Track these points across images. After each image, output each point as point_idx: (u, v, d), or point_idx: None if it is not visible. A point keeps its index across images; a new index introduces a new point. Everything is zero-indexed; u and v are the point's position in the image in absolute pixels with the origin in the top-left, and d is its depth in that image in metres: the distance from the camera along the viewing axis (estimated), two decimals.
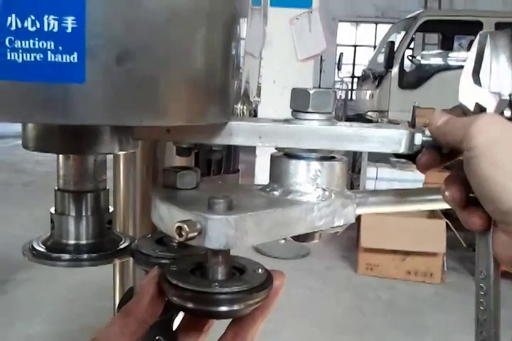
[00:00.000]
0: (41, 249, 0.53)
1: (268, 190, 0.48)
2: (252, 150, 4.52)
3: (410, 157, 4.97)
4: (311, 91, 0.46)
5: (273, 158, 0.49)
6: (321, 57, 7.16)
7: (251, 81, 0.65)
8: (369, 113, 6.38)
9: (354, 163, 5.63)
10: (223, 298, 0.42)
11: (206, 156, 0.61)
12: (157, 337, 0.46)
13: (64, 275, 3.31)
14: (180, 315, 0.49)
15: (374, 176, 4.42)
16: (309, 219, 0.45)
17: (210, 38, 0.40)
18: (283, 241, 4.29)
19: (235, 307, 0.42)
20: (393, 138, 0.47)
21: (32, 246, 0.54)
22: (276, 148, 0.49)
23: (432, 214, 3.98)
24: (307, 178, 0.47)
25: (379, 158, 4.89)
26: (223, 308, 0.42)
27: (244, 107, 0.53)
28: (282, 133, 0.46)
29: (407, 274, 3.68)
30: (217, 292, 0.42)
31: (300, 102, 0.47)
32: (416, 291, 3.54)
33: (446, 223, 3.62)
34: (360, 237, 3.68)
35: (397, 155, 5.19)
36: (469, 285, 3.60)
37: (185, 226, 0.38)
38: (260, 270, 0.46)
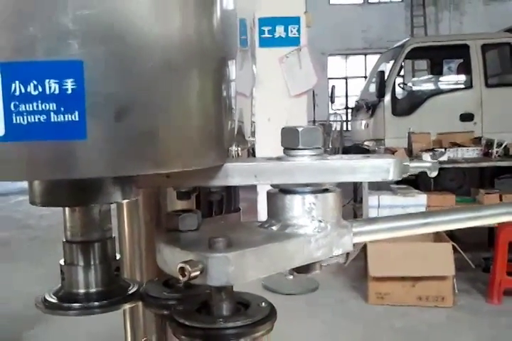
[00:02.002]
0: (53, 300, 0.55)
1: (266, 225, 0.50)
2: (253, 188, 4.54)
3: (411, 182, 4.99)
4: (300, 129, 0.49)
5: (269, 195, 0.51)
6: (314, 91, 7.26)
7: (244, 120, 0.67)
8: (366, 142, 6.43)
9: (355, 193, 5.64)
10: (229, 332, 0.44)
11: (206, 198, 0.64)
12: None
13: (72, 328, 3.28)
14: None
15: (376, 204, 4.42)
16: (307, 250, 0.47)
17: (202, 86, 0.43)
18: (291, 277, 4.27)
19: (242, 340, 0.44)
20: (381, 167, 0.49)
21: (44, 298, 0.55)
22: (271, 185, 0.51)
23: (438, 238, 3.97)
24: (303, 211, 0.49)
25: (380, 186, 4.90)
26: None
27: (239, 149, 0.56)
28: (276, 170, 0.48)
29: (418, 300, 3.64)
30: (222, 327, 0.44)
31: (290, 140, 0.49)
32: (429, 316, 3.50)
33: (453, 245, 3.61)
34: (368, 266, 3.66)
35: (397, 181, 5.21)
36: (481, 307, 3.57)
37: (188, 266, 0.40)
38: (263, 303, 0.48)
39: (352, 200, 5.70)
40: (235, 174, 0.49)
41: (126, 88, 0.38)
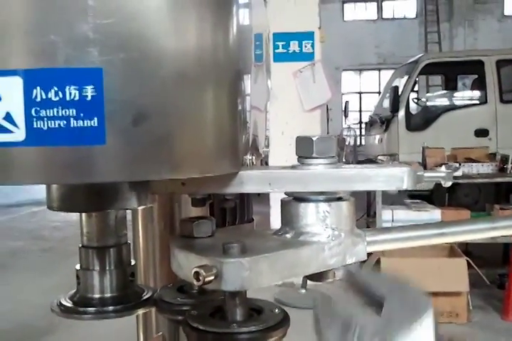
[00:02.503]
0: (68, 304, 0.55)
1: (280, 233, 0.51)
2: (266, 201, 4.54)
3: (425, 197, 4.96)
4: (314, 138, 0.49)
5: (283, 203, 0.51)
6: (327, 106, 7.28)
7: (259, 133, 0.68)
8: (379, 157, 6.42)
9: (369, 207, 5.61)
10: (242, 337, 0.44)
11: (220, 205, 0.64)
12: None
13: (82, 339, 3.28)
14: None
15: (390, 218, 4.39)
16: (321, 258, 0.48)
17: (217, 96, 0.44)
18: (304, 291, 4.24)
19: None
20: (396, 176, 0.49)
21: (60, 302, 0.56)
22: (285, 193, 0.52)
23: (452, 253, 3.94)
24: (316, 219, 0.49)
25: (393, 200, 4.88)
26: None
27: (254, 157, 0.57)
28: (290, 178, 0.49)
29: None
30: (236, 332, 0.44)
31: (304, 149, 0.50)
32: (443, 333, 3.44)
33: (467, 261, 3.57)
34: None
35: (412, 196, 5.18)
36: (496, 324, 3.52)
37: (202, 271, 0.41)
38: (277, 310, 0.48)
39: (365, 215, 5.67)
40: (249, 181, 0.49)
41: (143, 95, 0.39)
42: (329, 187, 0.49)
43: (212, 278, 0.41)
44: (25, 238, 6.62)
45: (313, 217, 0.49)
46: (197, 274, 0.41)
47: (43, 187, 0.51)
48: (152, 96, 0.40)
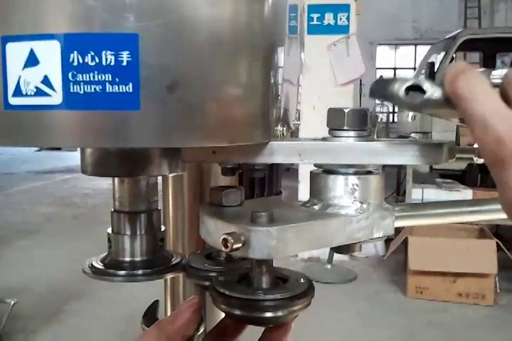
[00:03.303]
0: (100, 266, 0.57)
1: (308, 204, 0.51)
2: (295, 176, 4.55)
3: (457, 177, 4.90)
4: (346, 110, 0.49)
5: (312, 175, 0.52)
6: (361, 81, 7.18)
7: (290, 107, 0.68)
8: (412, 135, 6.34)
9: (398, 185, 5.58)
10: (267, 304, 0.45)
11: (249, 175, 0.65)
12: None
13: (113, 307, 3.38)
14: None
15: (420, 198, 4.36)
16: (348, 230, 0.48)
17: (250, 65, 0.44)
18: (329, 266, 4.27)
19: (279, 313, 0.45)
20: (427, 151, 0.48)
21: (91, 264, 0.58)
22: (315, 165, 0.52)
23: (482, 235, 3.91)
24: (345, 192, 0.49)
25: (424, 180, 4.84)
26: (267, 314, 0.45)
27: (284, 129, 0.57)
28: (320, 150, 0.49)
29: (458, 296, 3.59)
30: (261, 299, 0.45)
31: (336, 121, 0.50)
32: (468, 314, 3.45)
33: (497, 243, 3.54)
34: (409, 260, 3.63)
35: (443, 176, 5.13)
36: None
37: (230, 238, 0.41)
38: (302, 279, 0.49)
39: (395, 193, 5.64)
40: (279, 152, 0.49)
41: (178, 62, 0.39)
42: (360, 160, 0.48)
43: (240, 245, 0.42)
44: (58, 204, 6.78)
45: (342, 189, 0.49)
46: (225, 241, 0.42)
47: (75, 154, 0.52)
48: (187, 63, 0.40)
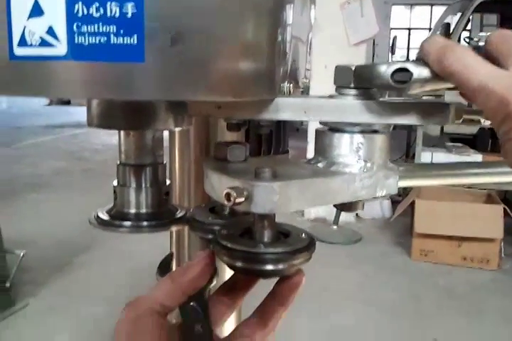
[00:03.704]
0: (105, 217, 0.58)
1: (313, 162, 0.51)
2: (304, 136, 4.54)
3: (467, 141, 4.87)
4: (353, 68, 0.48)
5: (318, 132, 0.51)
6: (374, 41, 7.06)
7: (299, 65, 0.67)
8: (424, 97, 6.26)
9: (408, 148, 5.56)
10: (268, 257, 0.46)
11: (255, 131, 0.65)
12: (191, 303, 0.50)
13: (121, 259, 3.44)
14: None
15: (429, 161, 4.36)
16: (351, 189, 0.48)
17: (258, 20, 0.43)
18: (335, 227, 4.31)
19: (280, 266, 0.46)
20: (435, 111, 0.48)
21: (97, 215, 0.59)
22: (320, 123, 0.52)
23: (489, 200, 3.91)
24: (350, 151, 0.49)
25: (435, 143, 4.82)
26: (269, 267, 0.46)
27: (291, 86, 0.56)
28: (326, 107, 0.48)
29: (462, 260, 3.63)
30: (262, 252, 0.46)
31: (343, 78, 0.49)
32: (472, 277, 3.49)
33: (504, 208, 3.55)
34: (415, 223, 3.65)
35: (453, 140, 5.09)
36: None
37: (233, 192, 0.42)
38: (304, 235, 0.50)
39: (404, 156, 5.63)
40: (285, 108, 0.49)
41: (183, 14, 0.39)
42: (365, 118, 0.48)
43: (243, 199, 0.42)
44: (67, 159, 6.82)
45: (347, 148, 0.49)
46: (228, 195, 0.42)
47: (85, 110, 0.53)
48: (192, 15, 0.39)
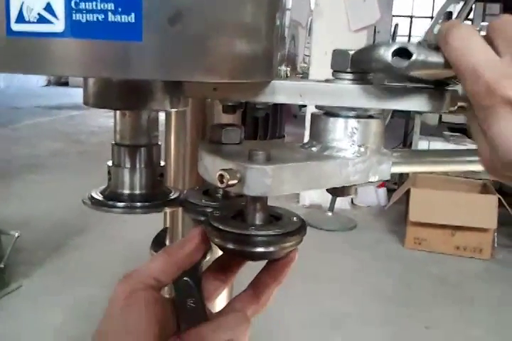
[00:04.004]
0: (99, 197, 0.58)
1: (307, 146, 0.52)
2: (302, 123, 4.54)
3: (465, 131, 4.87)
4: (351, 52, 0.48)
5: (313, 117, 0.52)
6: (375, 28, 7.02)
7: (298, 50, 0.67)
8: None
9: (406, 137, 5.56)
10: (259, 239, 0.46)
11: (251, 114, 0.65)
12: (185, 278, 0.51)
13: (115, 241, 3.45)
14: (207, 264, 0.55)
15: (426, 149, 4.36)
16: (344, 173, 0.48)
17: (257, 1, 0.43)
18: (330, 214, 4.33)
19: (270, 248, 0.47)
20: (430, 98, 0.48)
21: (91, 195, 0.59)
22: (316, 107, 0.52)
23: (484, 190, 3.92)
24: (344, 135, 0.49)
25: (432, 132, 4.82)
26: (259, 249, 0.47)
27: (288, 69, 0.56)
28: (322, 91, 0.49)
29: (455, 249, 3.65)
30: (253, 234, 0.46)
31: (340, 63, 0.49)
32: (465, 266, 3.52)
33: (499, 199, 3.56)
34: (409, 211, 3.66)
35: (452, 129, 5.09)
36: None
37: (226, 174, 0.42)
38: (295, 218, 0.50)
39: (401, 144, 5.63)
40: (281, 91, 0.49)
41: None
42: (359, 103, 0.48)
43: (236, 181, 0.43)
44: (64, 140, 6.81)
45: (341, 132, 0.50)
46: (221, 177, 0.42)
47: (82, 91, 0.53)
48: None
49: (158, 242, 0.60)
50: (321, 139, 0.51)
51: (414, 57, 0.41)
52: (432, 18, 10.27)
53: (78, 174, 4.99)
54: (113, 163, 0.59)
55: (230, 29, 0.42)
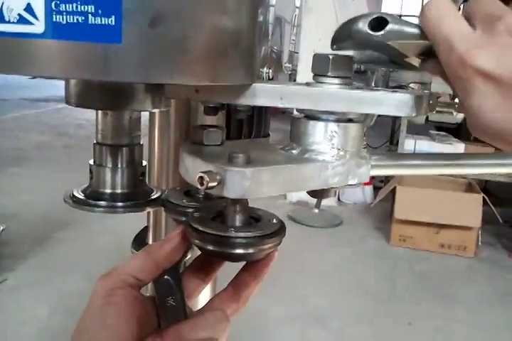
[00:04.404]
0: (81, 196, 0.59)
1: (287, 148, 0.52)
2: (289, 119, 4.54)
3: (452, 130, 4.90)
4: (331, 56, 0.49)
5: (293, 119, 0.52)
6: None
7: (284, 47, 0.67)
8: (411, 84, 6.26)
9: (392, 135, 5.58)
10: (238, 241, 0.47)
11: (235, 117, 0.65)
12: (165, 277, 0.51)
13: (100, 235, 3.45)
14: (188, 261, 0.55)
15: (412, 148, 4.38)
16: (323, 176, 0.49)
17: (237, 4, 0.44)
18: (317, 211, 4.34)
19: (249, 250, 0.47)
20: (408, 102, 0.49)
21: (72, 194, 0.59)
22: (297, 110, 0.52)
23: (469, 188, 3.96)
24: (324, 139, 0.50)
25: (418, 131, 4.84)
26: (238, 251, 0.47)
27: (271, 71, 0.57)
28: (302, 95, 0.49)
29: (440, 247, 3.68)
30: (233, 236, 0.47)
31: (320, 67, 0.49)
32: (448, 264, 3.55)
33: (483, 197, 3.59)
34: (395, 209, 3.69)
35: (438, 128, 5.12)
36: (502, 261, 3.60)
37: (206, 176, 0.42)
38: (275, 220, 0.51)
39: (388, 142, 5.65)
40: (261, 94, 0.49)
41: None
42: (339, 107, 0.49)
43: (216, 184, 0.43)
44: (51, 133, 6.75)
45: (321, 135, 0.50)
46: (201, 179, 0.43)
47: None
48: None
49: (139, 241, 0.60)
50: (301, 142, 0.51)
51: (390, 26, 0.43)
52: None
53: (64, 168, 4.97)
54: (95, 162, 0.59)
55: (210, 31, 0.42)
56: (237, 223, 0.49)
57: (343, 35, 0.47)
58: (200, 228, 0.48)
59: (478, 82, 0.37)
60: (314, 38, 4.21)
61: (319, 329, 2.66)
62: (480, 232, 3.68)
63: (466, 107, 0.40)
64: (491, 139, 0.41)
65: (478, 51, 0.38)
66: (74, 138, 6.57)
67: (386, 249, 3.74)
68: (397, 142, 4.66)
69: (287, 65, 0.69)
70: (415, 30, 0.43)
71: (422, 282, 3.27)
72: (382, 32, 0.43)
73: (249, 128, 0.79)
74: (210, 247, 0.48)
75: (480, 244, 3.72)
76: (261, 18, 0.48)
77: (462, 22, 0.40)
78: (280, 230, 0.50)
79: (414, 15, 12.69)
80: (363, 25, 0.44)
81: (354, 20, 0.44)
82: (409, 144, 4.42)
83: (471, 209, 3.57)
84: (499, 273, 3.42)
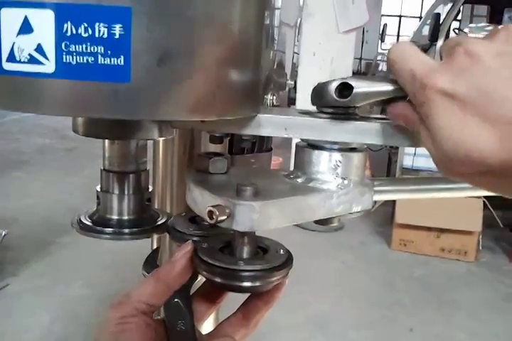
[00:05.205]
0: (88, 222, 0.59)
1: (292, 176, 0.53)
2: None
3: None
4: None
5: (298, 148, 0.53)
6: (364, 27, 7.03)
7: (287, 51, 0.68)
8: None
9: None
10: (247, 275, 0.47)
11: (238, 139, 0.66)
12: (175, 300, 0.52)
13: (103, 240, 3.44)
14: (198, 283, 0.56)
15: (412, 152, 4.38)
16: (328, 205, 0.50)
17: (241, 43, 0.44)
18: None
19: (257, 283, 0.48)
20: (411, 133, 0.49)
21: (80, 219, 0.60)
22: (301, 139, 0.53)
23: None
24: (328, 168, 0.51)
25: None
26: (246, 284, 0.48)
27: (274, 98, 0.57)
28: (306, 126, 0.50)
29: (440, 251, 3.68)
30: (242, 269, 0.47)
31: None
32: (449, 268, 3.55)
33: (484, 201, 3.59)
34: (396, 213, 3.69)
35: None
36: (503, 265, 3.60)
37: (216, 210, 0.43)
38: (282, 251, 0.51)
39: (388, 145, 5.64)
40: (266, 125, 0.50)
41: (169, 36, 0.40)
42: (345, 138, 0.49)
43: (225, 217, 0.44)
44: (52, 136, 6.74)
45: (325, 165, 0.51)
46: (211, 213, 0.44)
47: None
48: (178, 37, 0.40)
49: (149, 263, 0.60)
50: (305, 170, 0.52)
51: (354, 91, 0.45)
52: (420, 18, 10.29)
53: (66, 171, 4.97)
54: (101, 188, 0.60)
55: (217, 70, 0.43)
56: (245, 255, 0.50)
57: (318, 98, 0.49)
58: (209, 260, 0.49)
59: (438, 100, 0.38)
60: (314, 42, 4.20)
61: (320, 336, 2.67)
62: (480, 236, 3.68)
63: (432, 135, 0.40)
64: (464, 169, 0.39)
65: (437, 73, 0.39)
66: (75, 141, 6.56)
67: (387, 253, 3.75)
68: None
69: (289, 81, 0.69)
70: (382, 89, 0.45)
71: (422, 286, 3.27)
72: (348, 98, 0.45)
73: (252, 143, 0.80)
74: (219, 280, 0.48)
75: (481, 248, 3.72)
76: (266, 55, 0.49)
77: (424, 56, 0.42)
78: (288, 261, 0.51)
79: (414, 17, 12.71)
80: (331, 91, 0.46)
81: (324, 85, 0.47)
82: (409, 148, 4.42)
83: (471, 213, 3.57)
84: (499, 278, 3.42)
